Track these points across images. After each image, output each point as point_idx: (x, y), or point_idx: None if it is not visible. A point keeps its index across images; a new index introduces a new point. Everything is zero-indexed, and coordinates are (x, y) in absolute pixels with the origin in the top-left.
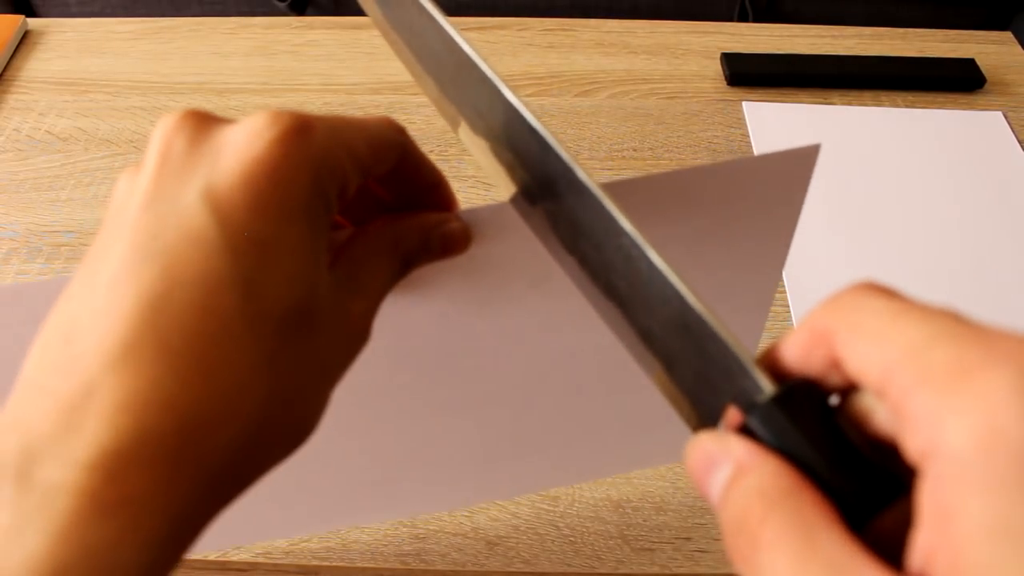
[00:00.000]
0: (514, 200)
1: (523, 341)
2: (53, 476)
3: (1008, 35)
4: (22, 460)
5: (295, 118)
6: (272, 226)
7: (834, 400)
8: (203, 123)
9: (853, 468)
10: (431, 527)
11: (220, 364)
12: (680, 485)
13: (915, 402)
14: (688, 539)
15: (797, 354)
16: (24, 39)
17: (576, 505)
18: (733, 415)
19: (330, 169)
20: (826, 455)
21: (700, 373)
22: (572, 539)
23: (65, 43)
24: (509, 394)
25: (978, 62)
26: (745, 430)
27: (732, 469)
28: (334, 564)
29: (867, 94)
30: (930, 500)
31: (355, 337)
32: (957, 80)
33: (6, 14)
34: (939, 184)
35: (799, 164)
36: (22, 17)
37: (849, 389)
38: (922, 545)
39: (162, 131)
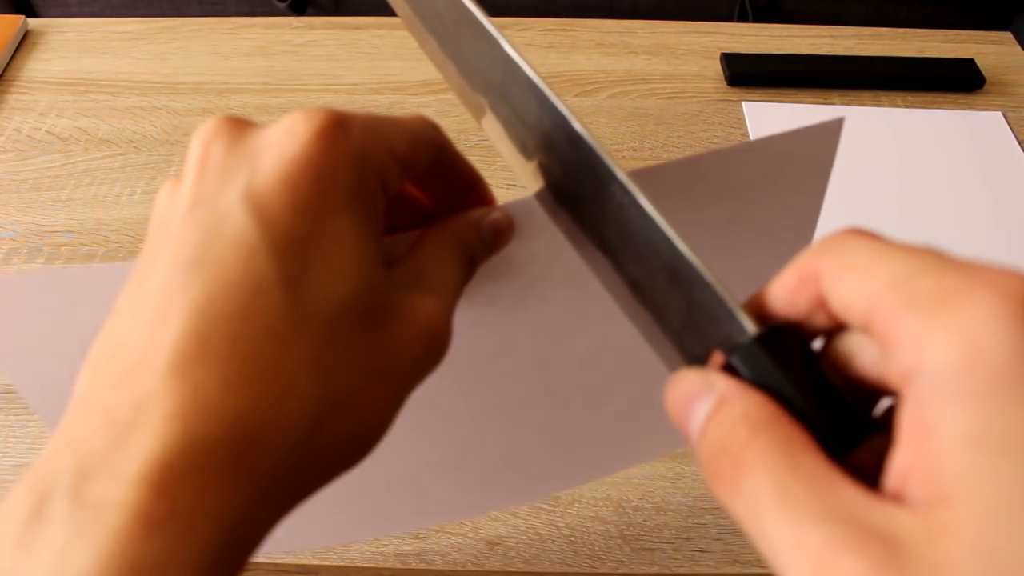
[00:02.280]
0: (538, 195)
1: (556, 338)
2: (104, 492)
3: (1008, 35)
4: (76, 477)
5: (331, 115)
6: (314, 224)
7: (816, 345)
8: (239, 128)
9: (830, 405)
10: (431, 527)
11: (267, 367)
12: (680, 485)
13: (899, 327)
14: (688, 539)
15: (784, 296)
16: (24, 39)
17: (576, 505)
18: (717, 357)
19: (370, 163)
20: (805, 392)
21: (687, 320)
22: (572, 539)
23: (65, 43)
24: (542, 393)
25: (978, 62)
26: (728, 369)
27: (715, 401)
28: (334, 564)
29: (867, 94)
30: (909, 418)
31: (428, 338)
32: (957, 80)
33: (6, 14)
34: (939, 184)
35: (823, 139)
36: (22, 17)
37: (832, 332)
38: (899, 464)
39: (199, 139)
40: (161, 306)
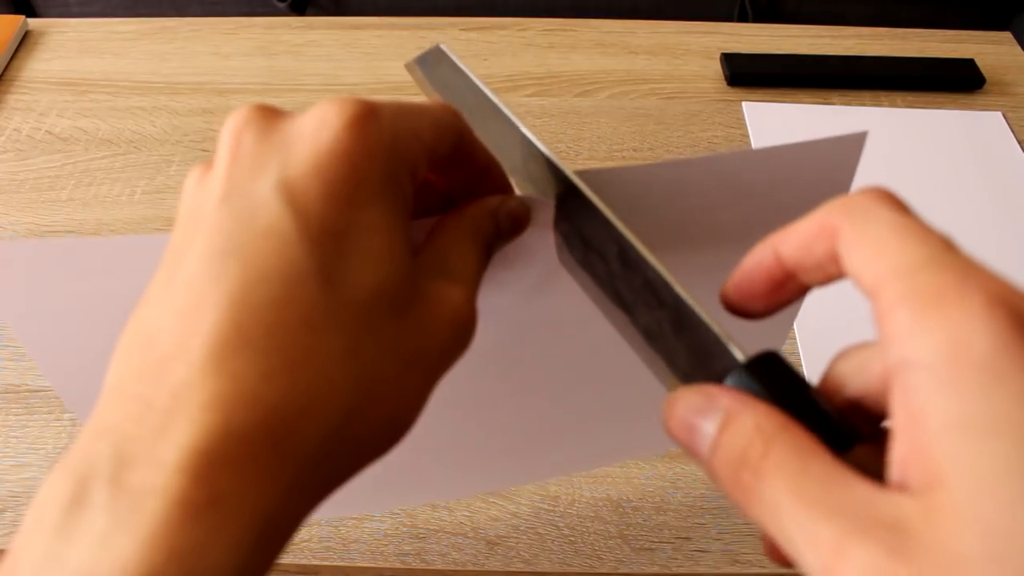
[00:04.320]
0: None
1: (567, 326)
2: (144, 480)
3: (1008, 35)
4: (115, 465)
5: (362, 104)
6: (348, 213)
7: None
8: (270, 117)
9: (820, 416)
10: (431, 527)
11: (302, 357)
12: (680, 485)
13: (895, 318)
14: (688, 539)
15: (801, 242)
16: (24, 39)
17: (576, 505)
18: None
19: (400, 153)
20: (796, 406)
21: (694, 361)
22: (572, 539)
23: (65, 43)
24: (551, 379)
25: (978, 62)
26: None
27: (722, 416)
28: (334, 564)
29: (867, 94)
30: (900, 408)
31: (456, 325)
32: (957, 80)
33: (6, 14)
34: (939, 184)
35: (844, 152)
36: (22, 17)
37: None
38: (897, 454)
39: (231, 128)
40: (195, 296)
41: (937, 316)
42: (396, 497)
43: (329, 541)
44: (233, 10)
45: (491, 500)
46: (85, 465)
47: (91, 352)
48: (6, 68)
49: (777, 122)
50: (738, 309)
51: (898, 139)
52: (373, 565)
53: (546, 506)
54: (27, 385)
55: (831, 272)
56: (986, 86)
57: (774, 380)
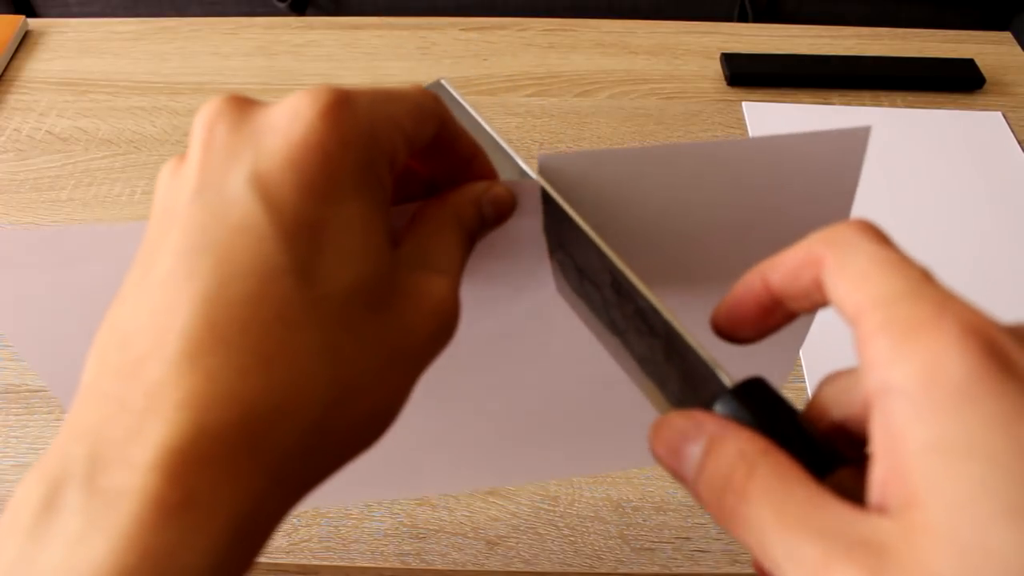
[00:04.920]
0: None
1: (557, 324)
2: (119, 481)
3: (1008, 35)
4: (89, 466)
5: (336, 92)
6: (323, 206)
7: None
8: (244, 108)
9: (803, 440)
10: (431, 527)
11: (279, 353)
12: (680, 485)
13: (873, 347)
14: (688, 539)
15: (788, 269)
16: (24, 39)
17: (576, 505)
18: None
19: (377, 141)
20: (780, 430)
21: (684, 386)
22: (572, 539)
23: (65, 43)
24: (540, 378)
25: (978, 62)
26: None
27: (706, 441)
28: (334, 564)
29: (867, 94)
30: (879, 432)
31: (439, 318)
32: (957, 80)
33: (6, 14)
34: (939, 184)
35: (849, 146)
36: (22, 17)
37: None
38: (876, 476)
39: (203, 120)
40: (169, 294)
41: (914, 345)
42: (382, 489)
43: (329, 541)
44: (233, 10)
45: (491, 500)
46: (59, 468)
47: (77, 343)
48: (6, 68)
49: (777, 122)
50: (728, 334)
51: (898, 139)
52: (373, 565)
53: (546, 506)
54: (27, 385)
55: (816, 300)
56: (986, 86)
57: (760, 405)
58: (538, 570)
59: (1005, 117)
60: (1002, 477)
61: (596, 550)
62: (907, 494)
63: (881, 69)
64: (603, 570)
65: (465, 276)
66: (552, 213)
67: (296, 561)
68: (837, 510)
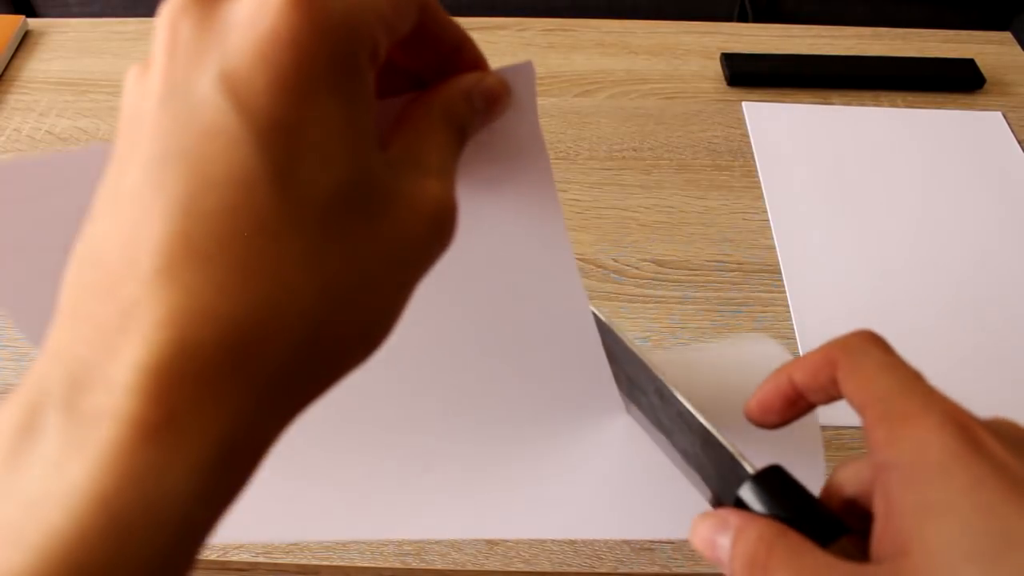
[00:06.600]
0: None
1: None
2: (97, 402)
3: (1008, 35)
4: (68, 389)
5: None
6: (299, 104)
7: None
8: (208, 2)
9: (811, 514)
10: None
11: (259, 265)
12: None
13: (875, 433)
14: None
15: (810, 370)
16: (24, 39)
17: None
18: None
19: (355, 31)
20: (791, 506)
21: (718, 474)
22: (572, 539)
23: (65, 43)
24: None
25: (978, 62)
26: (738, 502)
27: (733, 532)
28: (334, 564)
29: (867, 94)
30: (880, 498)
31: (435, 220)
32: (957, 80)
33: (6, 14)
34: (939, 184)
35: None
36: (22, 17)
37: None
38: (876, 535)
39: (165, 18)
40: (140, 208)
41: (905, 431)
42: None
43: (329, 541)
44: None
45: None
46: (37, 391)
47: (52, 282)
48: (6, 68)
49: (777, 122)
50: (759, 421)
51: (898, 139)
52: (373, 565)
53: None
54: None
55: (832, 394)
56: (986, 86)
57: (778, 487)
58: (538, 570)
59: (1005, 117)
60: (969, 530)
61: (596, 550)
62: (898, 545)
63: (881, 69)
64: (603, 570)
65: (460, 180)
66: (605, 332)
67: (296, 561)
68: (841, 567)
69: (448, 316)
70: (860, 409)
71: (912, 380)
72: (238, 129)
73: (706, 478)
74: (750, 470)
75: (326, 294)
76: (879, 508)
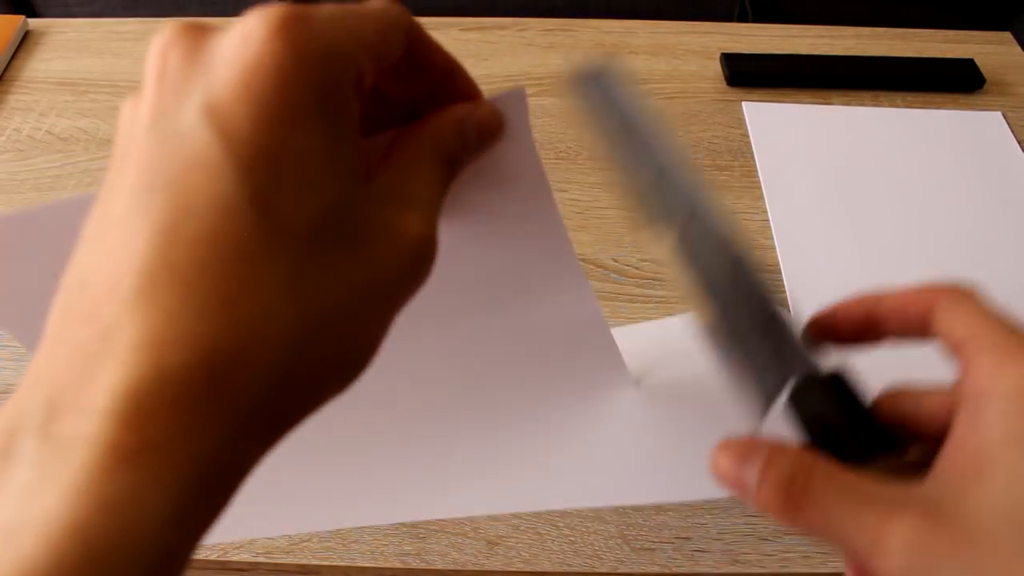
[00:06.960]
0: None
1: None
2: (72, 427)
3: (1008, 35)
4: (44, 415)
5: (289, 8)
6: (281, 133)
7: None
8: (197, 34)
9: (866, 423)
10: (431, 527)
11: (240, 291)
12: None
13: (978, 363)
14: (688, 539)
15: (902, 300)
16: (24, 39)
17: None
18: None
19: (339, 59)
20: (847, 413)
21: (770, 359)
22: (572, 539)
23: (65, 43)
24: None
25: (978, 62)
26: (793, 398)
27: (765, 455)
28: (334, 564)
29: (867, 94)
30: (964, 424)
31: (412, 255)
32: (957, 80)
33: (6, 14)
34: (939, 184)
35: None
36: (22, 17)
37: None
38: (947, 454)
39: (156, 50)
40: (124, 233)
41: (1010, 364)
42: (365, 513)
43: (329, 541)
44: (233, 10)
45: (485, 512)
46: (16, 416)
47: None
48: (6, 68)
49: (777, 122)
50: (822, 333)
51: (898, 139)
52: (373, 565)
53: None
54: None
55: (913, 330)
56: (986, 86)
57: (841, 389)
58: (538, 570)
59: (1005, 117)
60: None
61: (596, 550)
62: (974, 468)
63: (881, 69)
64: (603, 570)
65: (458, 208)
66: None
67: (296, 561)
68: (887, 486)
69: (463, 325)
70: (959, 344)
71: (1014, 323)
72: (220, 157)
73: (752, 364)
74: (818, 366)
75: (304, 321)
76: (959, 431)
